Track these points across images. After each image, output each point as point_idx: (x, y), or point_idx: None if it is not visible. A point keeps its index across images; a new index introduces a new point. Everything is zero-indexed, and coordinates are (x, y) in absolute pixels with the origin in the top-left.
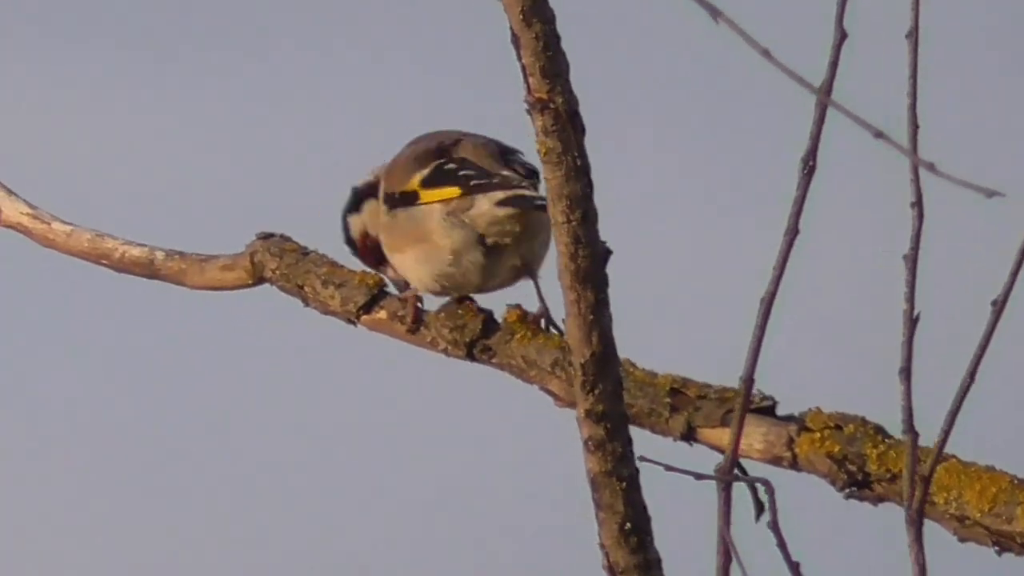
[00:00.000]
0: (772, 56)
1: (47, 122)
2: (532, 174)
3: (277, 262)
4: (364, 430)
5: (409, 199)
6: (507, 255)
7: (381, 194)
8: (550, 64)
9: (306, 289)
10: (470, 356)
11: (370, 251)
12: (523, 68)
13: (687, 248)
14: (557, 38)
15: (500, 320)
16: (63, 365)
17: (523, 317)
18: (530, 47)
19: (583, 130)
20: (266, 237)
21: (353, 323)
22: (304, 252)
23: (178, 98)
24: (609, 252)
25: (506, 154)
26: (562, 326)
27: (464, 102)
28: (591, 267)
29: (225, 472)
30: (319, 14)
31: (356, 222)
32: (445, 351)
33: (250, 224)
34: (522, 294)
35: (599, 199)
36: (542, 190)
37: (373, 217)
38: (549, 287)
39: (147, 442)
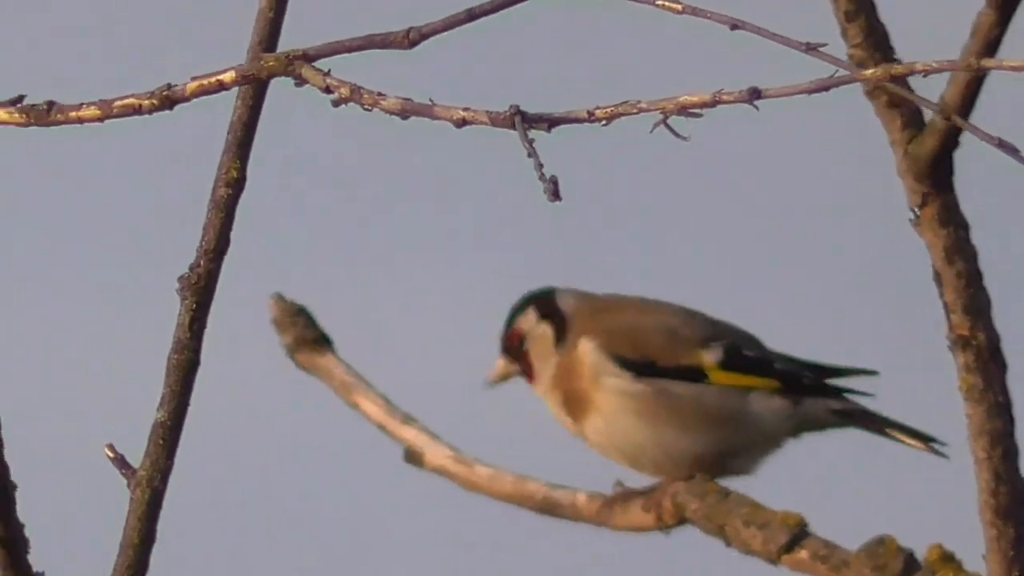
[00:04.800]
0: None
1: (471, 358)
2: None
3: (699, 503)
4: None
5: (690, 375)
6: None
7: (599, 355)
8: (971, 301)
9: (727, 529)
10: None
11: (515, 356)
12: (945, 305)
13: None
14: (979, 275)
15: (921, 559)
16: None
17: (945, 556)
18: (952, 284)
19: (1005, 366)
20: (688, 479)
21: (774, 563)
22: (725, 493)
23: None
24: None
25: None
26: None
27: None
28: (1011, 503)
29: None
30: None
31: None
32: None
33: None
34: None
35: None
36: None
37: (568, 359)
38: None
39: None
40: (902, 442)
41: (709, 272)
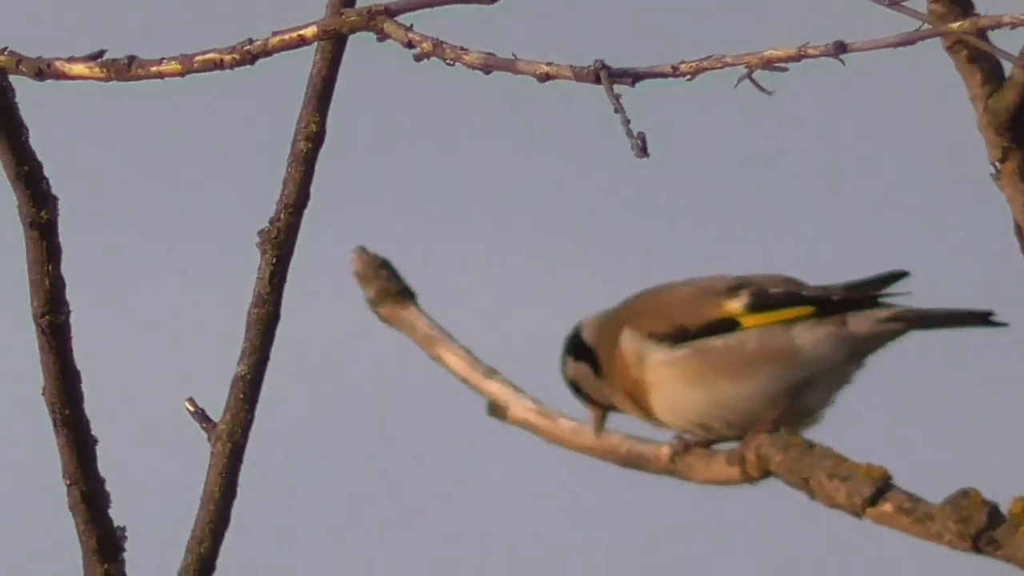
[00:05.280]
0: None
1: (552, 311)
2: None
3: (783, 455)
4: None
5: (723, 327)
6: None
7: (637, 341)
8: None
9: (812, 483)
10: (975, 548)
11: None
12: None
13: None
14: None
15: (1005, 512)
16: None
17: None
18: None
19: None
20: (771, 431)
21: (859, 516)
22: (809, 445)
23: None
24: None
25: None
26: None
27: None
28: None
29: None
30: None
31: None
32: (950, 543)
33: None
34: None
35: None
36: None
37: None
38: None
39: None
40: (960, 327)
41: (791, 227)
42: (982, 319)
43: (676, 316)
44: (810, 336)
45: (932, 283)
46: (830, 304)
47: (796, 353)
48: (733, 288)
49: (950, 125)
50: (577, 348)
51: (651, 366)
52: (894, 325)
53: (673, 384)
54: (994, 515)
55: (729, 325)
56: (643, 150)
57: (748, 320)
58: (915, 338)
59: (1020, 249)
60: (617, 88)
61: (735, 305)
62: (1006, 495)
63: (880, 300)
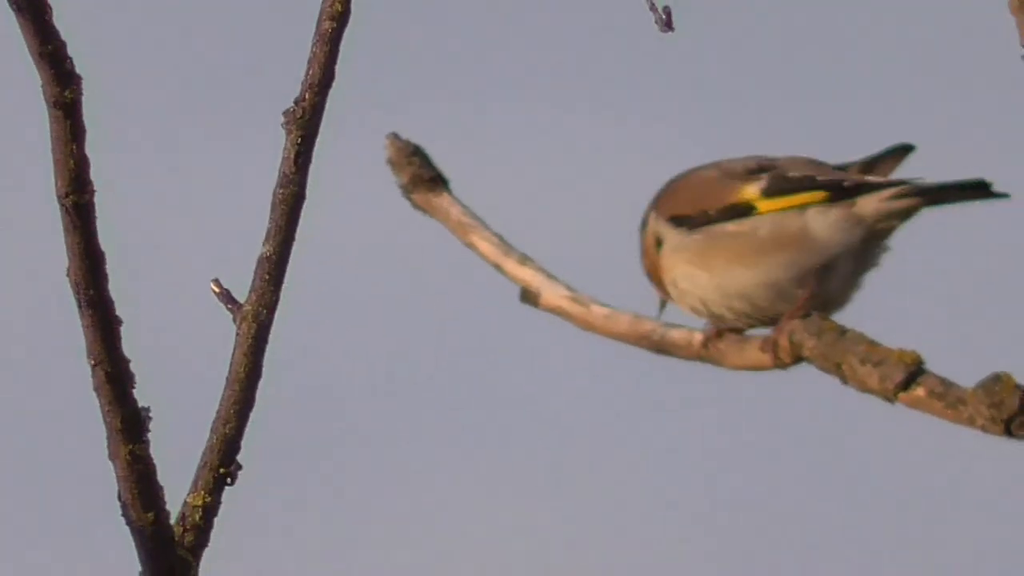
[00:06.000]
0: None
1: (585, 199)
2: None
3: (815, 341)
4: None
5: (739, 212)
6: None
7: (659, 224)
8: None
9: (844, 368)
10: (1008, 432)
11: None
12: None
13: None
14: None
15: None
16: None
17: None
18: None
19: None
20: (804, 317)
21: (891, 401)
22: (842, 331)
23: None
24: None
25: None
26: None
27: None
28: None
29: None
30: None
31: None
32: (983, 427)
33: None
34: None
35: None
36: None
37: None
38: None
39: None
40: (964, 200)
41: (817, 103)
42: (983, 190)
43: (696, 200)
44: (822, 221)
45: (960, 173)
46: (842, 188)
47: (808, 239)
48: (753, 172)
49: (982, 7)
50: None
51: (667, 250)
52: (901, 203)
53: (684, 267)
54: None
55: (745, 210)
56: (668, 24)
57: (764, 205)
58: (942, 220)
59: None
60: None
61: (752, 190)
62: None
63: (891, 181)
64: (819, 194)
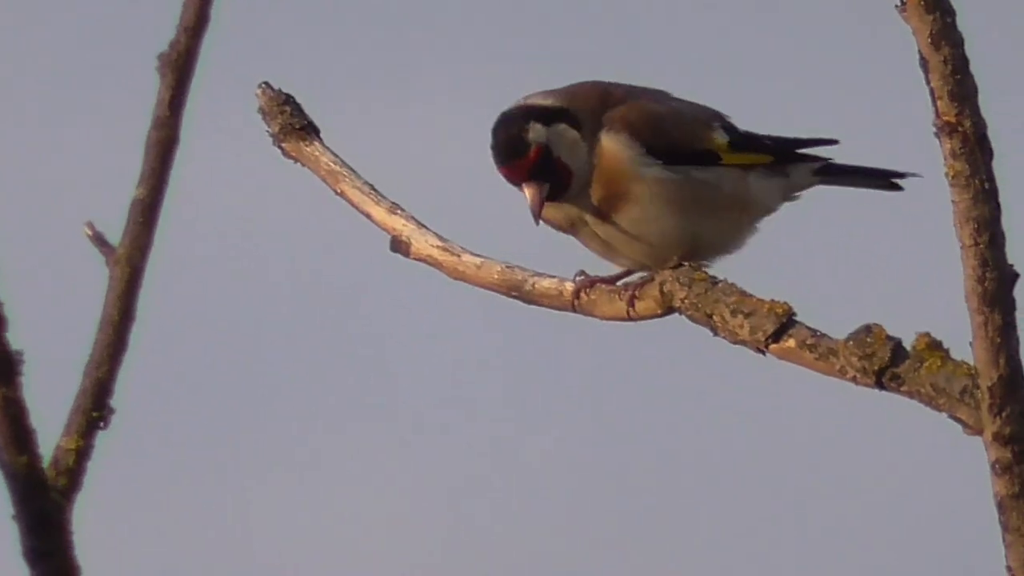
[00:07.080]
0: None
1: (455, 148)
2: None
3: (686, 291)
4: (771, 457)
5: (707, 159)
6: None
7: (621, 141)
8: (958, 87)
9: (715, 318)
10: (879, 384)
11: (542, 173)
12: (931, 91)
13: None
14: (966, 61)
15: (909, 347)
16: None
17: (932, 344)
18: (938, 71)
19: (991, 153)
20: (676, 267)
21: (762, 352)
22: (713, 281)
23: None
24: (1016, 275)
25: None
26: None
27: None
28: (998, 290)
29: None
30: None
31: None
32: (854, 379)
33: None
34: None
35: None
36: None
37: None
38: None
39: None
40: (871, 187)
41: (696, 57)
42: (891, 184)
43: (669, 134)
44: (764, 184)
45: (837, 122)
46: (785, 157)
47: (750, 199)
48: (711, 119)
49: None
50: (549, 114)
51: (643, 177)
52: (820, 178)
53: (658, 202)
54: (897, 351)
55: (712, 158)
56: None
57: (729, 157)
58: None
59: (925, 81)
60: None
61: (720, 139)
62: (909, 331)
63: (818, 156)
64: (765, 157)
